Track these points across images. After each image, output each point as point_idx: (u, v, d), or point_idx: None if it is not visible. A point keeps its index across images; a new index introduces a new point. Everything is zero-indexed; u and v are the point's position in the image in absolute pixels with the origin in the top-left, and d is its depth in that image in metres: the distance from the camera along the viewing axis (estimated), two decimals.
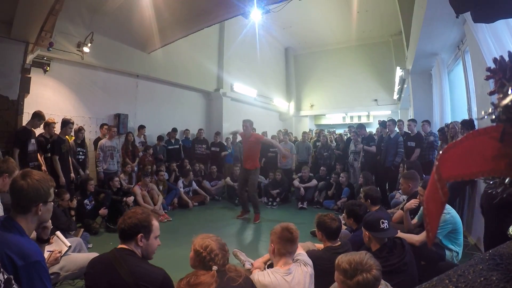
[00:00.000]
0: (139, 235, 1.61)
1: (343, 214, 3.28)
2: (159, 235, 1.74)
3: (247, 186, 5.53)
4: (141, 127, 7.17)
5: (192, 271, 1.61)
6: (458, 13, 2.40)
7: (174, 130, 7.77)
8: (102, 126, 6.31)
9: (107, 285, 1.50)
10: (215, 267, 1.57)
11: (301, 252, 2.15)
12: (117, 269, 1.50)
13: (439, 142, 5.46)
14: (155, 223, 1.71)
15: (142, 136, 7.18)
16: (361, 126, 7.36)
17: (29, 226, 1.40)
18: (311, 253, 2.28)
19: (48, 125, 4.84)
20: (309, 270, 1.98)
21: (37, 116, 4.58)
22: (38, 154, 4.70)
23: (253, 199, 5.48)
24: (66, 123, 4.99)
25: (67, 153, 4.96)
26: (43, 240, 1.63)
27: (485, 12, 2.15)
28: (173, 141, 7.75)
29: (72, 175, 5.04)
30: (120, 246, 1.62)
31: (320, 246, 2.60)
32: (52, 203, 1.50)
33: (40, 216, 1.42)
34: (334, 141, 8.59)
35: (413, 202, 3.07)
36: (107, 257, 1.58)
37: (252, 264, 2.93)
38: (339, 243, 2.41)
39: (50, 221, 1.58)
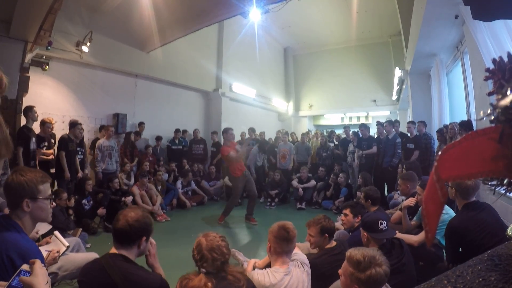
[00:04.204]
0: (143, 239, 1.57)
1: (341, 215, 3.28)
2: (155, 235, 1.71)
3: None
4: (141, 124, 7.25)
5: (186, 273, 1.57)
6: (466, 4, 2.41)
7: (177, 131, 7.81)
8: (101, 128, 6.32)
9: None
10: (203, 270, 1.51)
11: (297, 251, 2.14)
12: (111, 276, 1.43)
13: (437, 143, 5.46)
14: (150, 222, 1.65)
15: (142, 132, 7.26)
16: (365, 126, 6.90)
17: (24, 223, 1.38)
18: (309, 259, 2.27)
19: (44, 124, 4.81)
20: (306, 269, 1.98)
21: (29, 110, 4.51)
22: None
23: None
24: (74, 124, 5.05)
25: (74, 153, 5.00)
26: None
27: (485, 9, 2.15)
28: (176, 141, 7.79)
29: (80, 174, 5.07)
30: (112, 251, 1.55)
31: None
32: (48, 201, 1.46)
33: (31, 213, 1.39)
34: (334, 140, 8.55)
35: (410, 200, 3.08)
36: (99, 263, 1.51)
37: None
38: (335, 243, 2.40)
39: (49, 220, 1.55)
